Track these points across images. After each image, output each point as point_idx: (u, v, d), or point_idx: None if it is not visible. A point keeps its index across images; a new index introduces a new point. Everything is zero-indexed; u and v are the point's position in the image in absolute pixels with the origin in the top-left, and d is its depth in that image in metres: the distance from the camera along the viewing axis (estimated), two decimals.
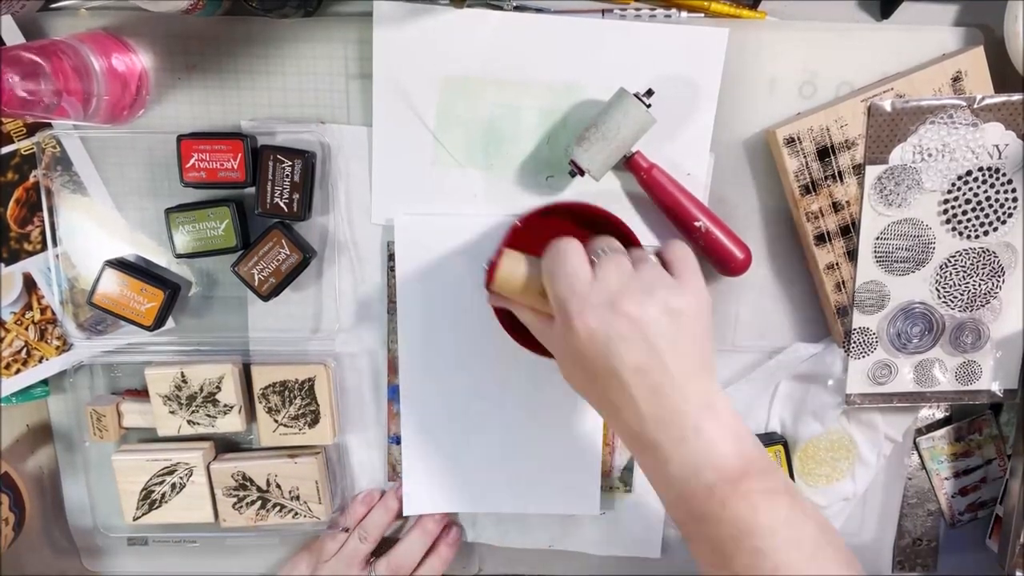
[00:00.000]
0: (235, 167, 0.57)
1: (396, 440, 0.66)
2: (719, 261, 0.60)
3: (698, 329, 0.47)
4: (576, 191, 0.61)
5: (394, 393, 0.65)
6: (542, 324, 0.52)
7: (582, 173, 0.57)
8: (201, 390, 0.61)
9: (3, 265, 0.61)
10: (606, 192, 0.61)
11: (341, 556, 0.64)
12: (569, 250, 0.48)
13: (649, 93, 0.55)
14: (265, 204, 0.58)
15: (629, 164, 0.58)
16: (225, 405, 0.62)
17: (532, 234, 0.55)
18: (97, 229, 0.61)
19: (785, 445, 0.65)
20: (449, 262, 0.61)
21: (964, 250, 0.61)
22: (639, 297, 0.45)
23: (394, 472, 0.67)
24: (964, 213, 0.60)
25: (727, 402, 0.46)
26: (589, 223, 0.56)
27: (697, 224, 0.58)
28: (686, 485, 0.45)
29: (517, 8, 0.57)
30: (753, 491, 0.43)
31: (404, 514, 0.66)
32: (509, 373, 0.63)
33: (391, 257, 0.62)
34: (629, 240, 0.55)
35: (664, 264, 0.50)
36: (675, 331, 0.45)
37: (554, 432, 0.64)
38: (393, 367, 0.64)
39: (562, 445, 0.65)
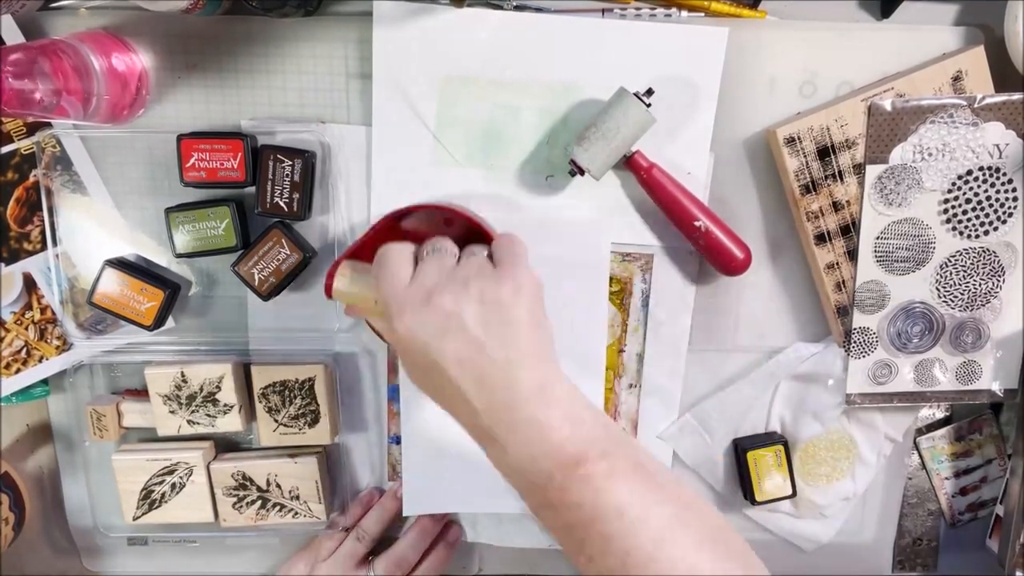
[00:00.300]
0: (235, 167, 0.57)
1: (396, 440, 0.66)
2: (719, 261, 0.60)
3: (520, 316, 0.46)
4: (576, 190, 0.61)
5: (394, 393, 0.65)
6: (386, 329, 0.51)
7: (582, 173, 0.57)
8: (201, 390, 0.61)
9: (3, 265, 0.61)
10: (606, 192, 0.61)
11: (338, 555, 0.64)
12: (391, 254, 0.49)
13: (649, 93, 0.55)
14: (265, 204, 0.58)
15: (629, 164, 0.58)
16: (225, 405, 0.62)
17: (392, 238, 0.52)
18: (97, 229, 0.61)
19: (785, 445, 0.65)
20: None
21: (964, 250, 0.61)
22: (454, 289, 0.45)
23: (394, 472, 0.67)
24: (964, 213, 0.60)
25: (566, 386, 0.46)
26: (449, 223, 0.55)
27: (697, 224, 0.58)
28: (526, 475, 0.44)
29: (517, 8, 0.57)
30: (594, 475, 0.42)
31: (404, 514, 0.66)
32: None
33: None
34: (484, 236, 0.54)
35: (491, 257, 0.50)
36: (495, 320, 0.45)
37: None
38: (393, 367, 0.64)
39: None
